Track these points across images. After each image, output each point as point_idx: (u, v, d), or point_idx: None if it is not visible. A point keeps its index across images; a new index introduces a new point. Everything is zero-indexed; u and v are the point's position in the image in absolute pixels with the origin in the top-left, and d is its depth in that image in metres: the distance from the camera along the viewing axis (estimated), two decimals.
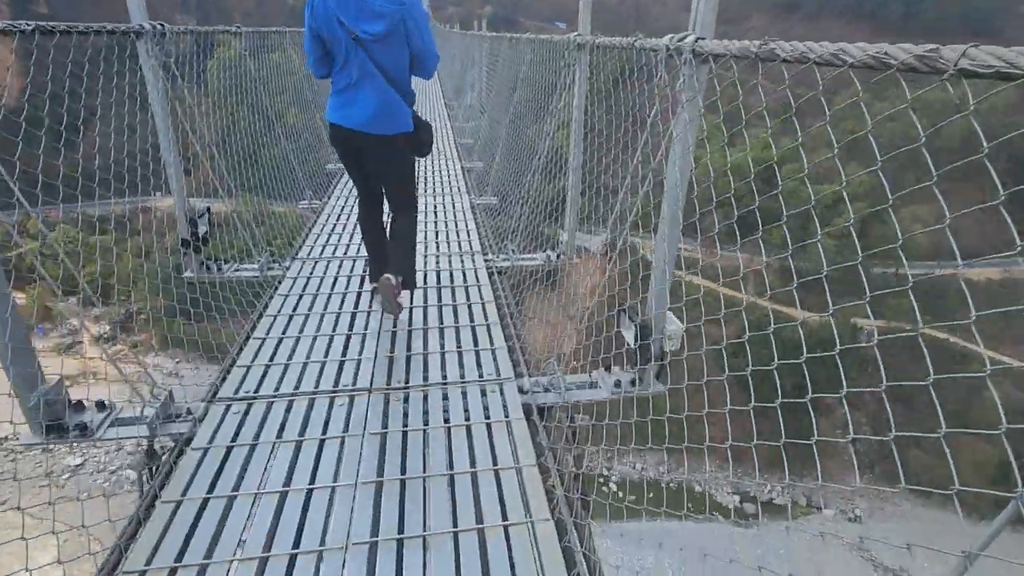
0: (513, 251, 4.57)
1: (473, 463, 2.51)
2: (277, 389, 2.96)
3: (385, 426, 2.72)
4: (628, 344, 3.02)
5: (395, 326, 3.58)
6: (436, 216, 5.53)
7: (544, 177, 4.67)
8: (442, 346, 3.37)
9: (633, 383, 3.03)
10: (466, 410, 2.88)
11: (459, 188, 6.50)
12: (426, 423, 2.76)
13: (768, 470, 25.45)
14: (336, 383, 3.01)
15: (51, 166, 3.02)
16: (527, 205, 4.94)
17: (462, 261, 4.50)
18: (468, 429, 2.71)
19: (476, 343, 3.41)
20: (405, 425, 2.74)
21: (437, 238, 4.99)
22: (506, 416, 2.81)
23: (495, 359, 3.25)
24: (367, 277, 4.15)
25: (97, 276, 3.76)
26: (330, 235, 5.03)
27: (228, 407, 2.83)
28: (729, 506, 25.05)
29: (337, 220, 5.41)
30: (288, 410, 2.84)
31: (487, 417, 2.79)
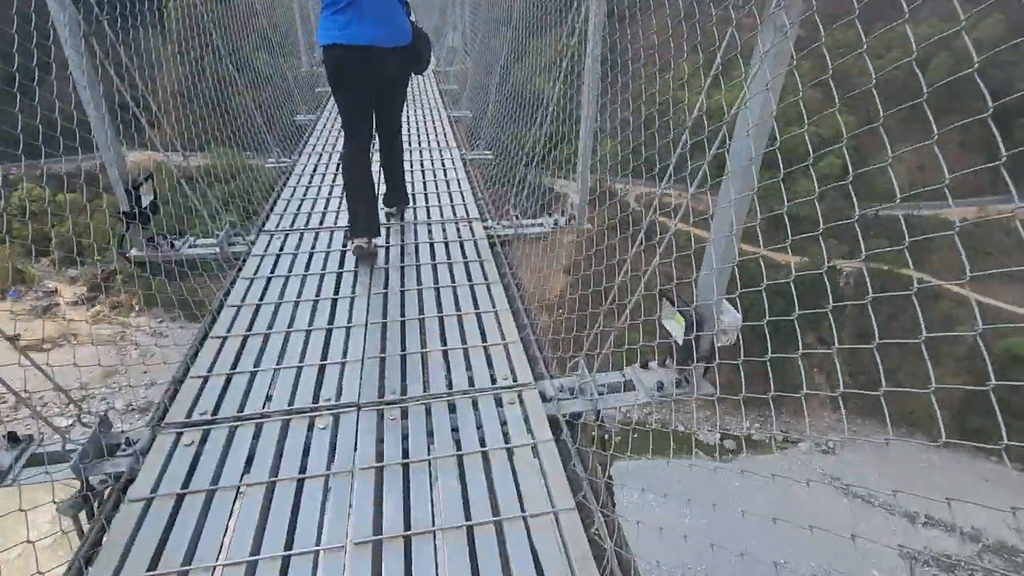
0: (517, 217, 3.86)
1: (496, 510, 1.92)
2: (241, 409, 2.31)
3: (380, 457, 2.11)
4: (673, 339, 2.42)
5: (385, 315, 2.91)
6: (424, 176, 4.74)
7: (552, 125, 3.91)
8: (444, 341, 2.72)
9: (678, 384, 2.45)
10: (479, 427, 2.28)
11: (447, 142, 5.66)
12: (431, 450, 2.15)
13: (748, 409, 25.92)
14: (316, 398, 2.37)
15: (7, 116, 2.74)
16: (530, 165, 4.20)
17: (458, 230, 3.78)
18: (485, 458, 2.12)
19: (484, 337, 2.77)
20: (405, 454, 2.13)
21: (427, 202, 4.23)
22: (531, 436, 2.22)
23: (509, 357, 2.63)
24: (348, 232, 3.50)
25: (71, 235, 3.40)
26: (302, 201, 4.24)
27: (179, 436, 2.18)
28: (711, 443, 25.55)
29: (310, 182, 4.60)
30: (256, 436, 2.21)
31: (507, 440, 2.19)
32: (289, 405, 2.32)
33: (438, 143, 5.60)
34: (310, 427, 2.24)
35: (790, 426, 26.34)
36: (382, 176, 3.86)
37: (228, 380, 2.45)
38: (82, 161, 3.41)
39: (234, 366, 2.54)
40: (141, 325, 28.22)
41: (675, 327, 2.42)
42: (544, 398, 2.44)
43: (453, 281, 3.21)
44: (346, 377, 2.47)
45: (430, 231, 3.80)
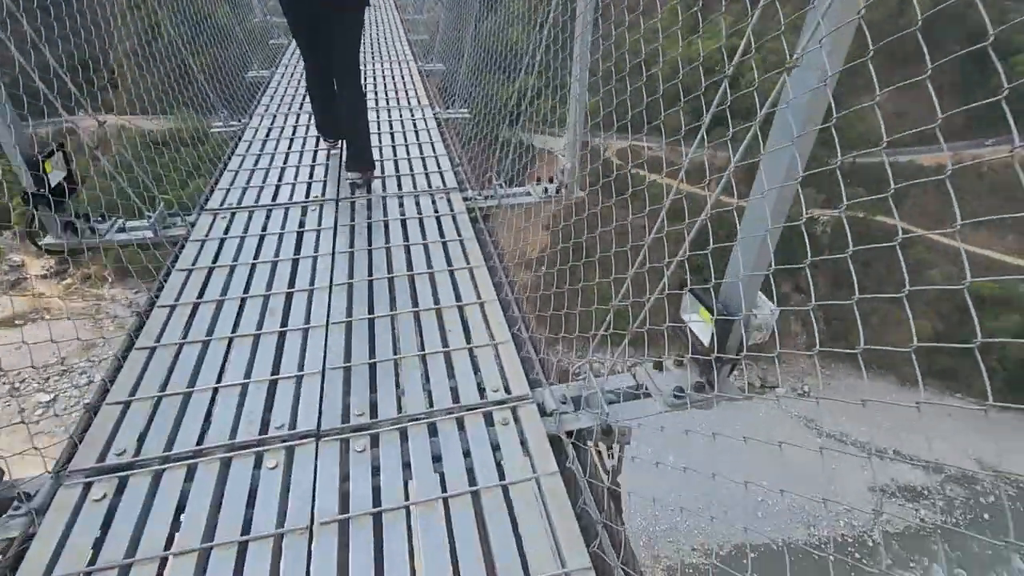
0: (501, 185, 3.32)
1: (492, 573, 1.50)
2: (169, 448, 1.83)
3: (345, 506, 1.66)
4: (698, 341, 1.98)
5: (350, 312, 2.41)
6: (394, 139, 4.12)
7: (537, 76, 3.32)
8: (421, 345, 2.25)
9: (699, 388, 2.03)
10: (467, 455, 1.84)
11: (419, 99, 4.99)
12: (407, 495, 1.71)
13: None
14: (264, 427, 1.90)
15: None
16: (515, 124, 3.62)
17: (434, 204, 3.23)
18: (476, 499, 1.68)
19: (469, 336, 2.29)
20: (376, 499, 1.69)
21: (397, 170, 3.65)
22: (531, 466, 1.78)
23: (499, 361, 2.17)
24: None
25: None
26: (252, 172, 3.62)
27: (86, 489, 1.70)
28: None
29: (262, 149, 3.95)
30: (190, 479, 1.74)
31: (501, 475, 1.75)
32: (231, 438, 1.84)
33: (408, 101, 4.93)
34: (257, 465, 1.78)
35: (767, 371, 26.76)
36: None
37: (153, 410, 1.95)
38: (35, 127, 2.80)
39: (163, 387, 2.04)
40: (116, 297, 27.15)
41: (700, 326, 1.97)
42: (543, 412, 2.00)
43: (430, 267, 2.70)
44: (303, 398, 1.99)
45: (401, 206, 3.24)
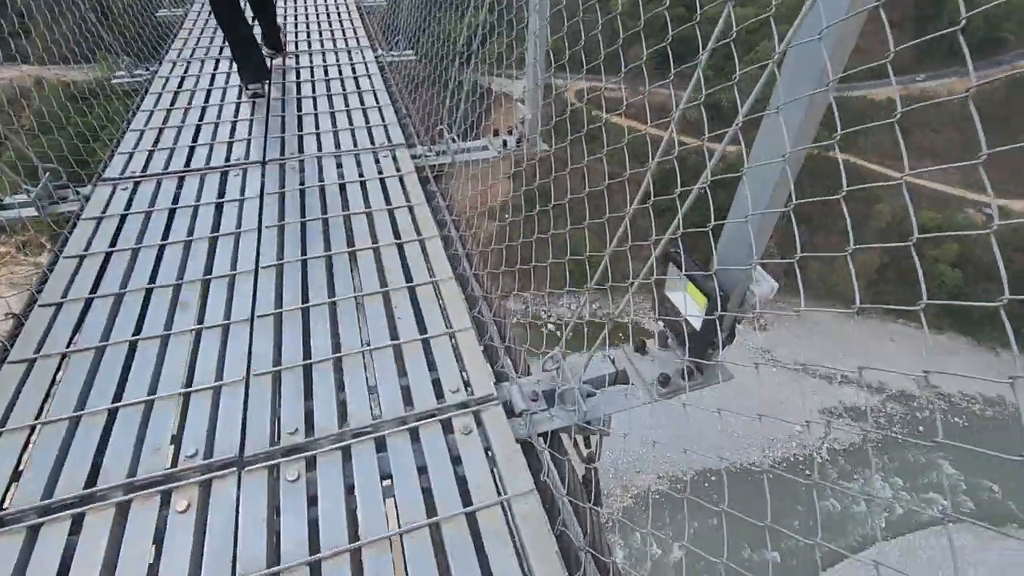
0: (454, 139, 2.86)
1: None
2: (49, 493, 1.45)
3: (276, 556, 1.34)
4: (684, 318, 1.70)
5: (280, 303, 2.01)
6: (330, 87, 3.54)
7: (490, 12, 2.81)
8: (366, 340, 1.88)
9: (689, 374, 1.77)
10: (422, 470, 1.53)
11: (357, 40, 4.34)
12: (356, 529, 1.40)
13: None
14: (175, 458, 1.53)
15: None
16: (466, 66, 3.13)
17: (377, 163, 2.77)
18: (436, 530, 1.39)
19: (422, 324, 1.94)
20: (315, 547, 1.37)
21: (334, 124, 3.13)
22: (500, 486, 1.49)
23: (458, 355, 1.83)
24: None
25: None
26: (160, 131, 3.03)
27: None
28: (653, 331, 26.47)
29: (173, 103, 3.33)
30: (76, 532, 1.38)
31: (465, 500, 1.45)
32: (131, 475, 1.48)
33: (345, 42, 4.28)
34: (164, 505, 1.43)
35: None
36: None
37: (28, 439, 1.56)
38: None
39: (39, 412, 1.63)
40: None
41: (688, 302, 1.68)
42: (510, 412, 1.70)
43: (375, 241, 2.29)
44: (222, 416, 1.62)
45: (340, 167, 2.77)
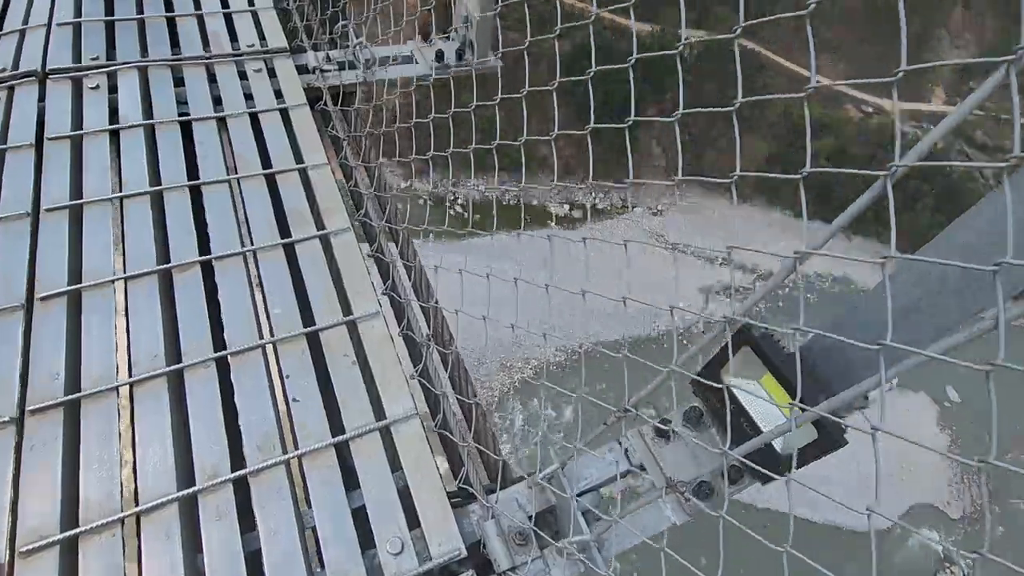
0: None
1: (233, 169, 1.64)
2: None
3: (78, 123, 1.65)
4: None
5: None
6: None
7: None
8: (169, 5, 2.08)
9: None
10: (216, 101, 1.86)
11: None
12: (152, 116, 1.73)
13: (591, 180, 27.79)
14: None
15: None
16: None
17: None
18: (222, 125, 1.75)
19: (226, 3, 2.16)
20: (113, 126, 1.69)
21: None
22: (282, 103, 1.86)
23: (258, 23, 2.10)
24: None
25: None
26: None
27: None
28: (560, 214, 27.61)
29: None
30: None
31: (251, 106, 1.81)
32: None
33: None
34: None
35: (627, 193, 29.00)
36: None
37: None
38: None
39: None
40: None
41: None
42: (304, 71, 2.04)
43: None
44: (25, 47, 1.83)
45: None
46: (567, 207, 28.53)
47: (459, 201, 27.22)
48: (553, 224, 26.90)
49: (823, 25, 29.04)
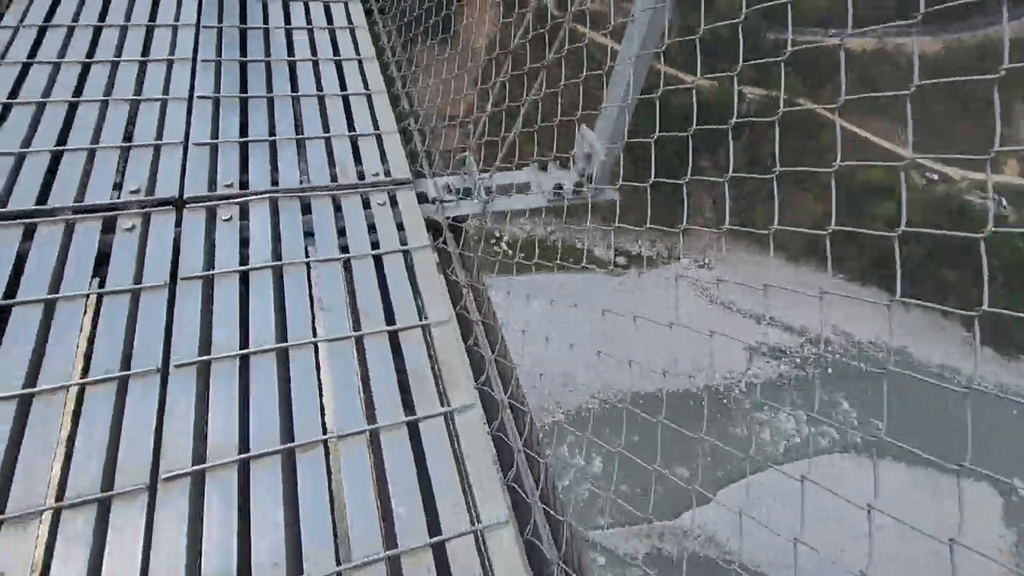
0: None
1: (357, 324, 1.58)
2: (4, 202, 1.66)
3: (211, 259, 1.64)
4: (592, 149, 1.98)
5: (218, 88, 2.17)
6: None
7: None
8: (299, 129, 2.11)
9: (578, 188, 2.11)
10: (340, 234, 1.84)
11: None
12: (280, 257, 1.70)
13: (641, 228, 27.59)
14: (118, 188, 1.76)
15: None
16: None
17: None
18: (346, 267, 1.72)
19: (352, 124, 2.17)
20: (244, 260, 1.67)
21: None
22: (403, 242, 1.82)
23: (382, 150, 2.10)
24: None
25: None
26: None
27: None
28: (605, 258, 27.43)
29: None
30: (28, 238, 1.62)
31: (375, 245, 1.78)
32: (77, 201, 1.71)
33: None
34: (109, 230, 1.68)
35: (674, 243, 28.63)
36: None
37: None
38: None
39: None
40: None
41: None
42: (424, 199, 2.01)
43: (315, 54, 2.45)
44: (162, 167, 1.85)
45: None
46: (612, 252, 28.36)
47: (504, 239, 27.47)
48: (597, 269, 26.70)
49: (886, 86, 28.42)
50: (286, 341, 1.50)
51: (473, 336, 1.65)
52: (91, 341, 1.43)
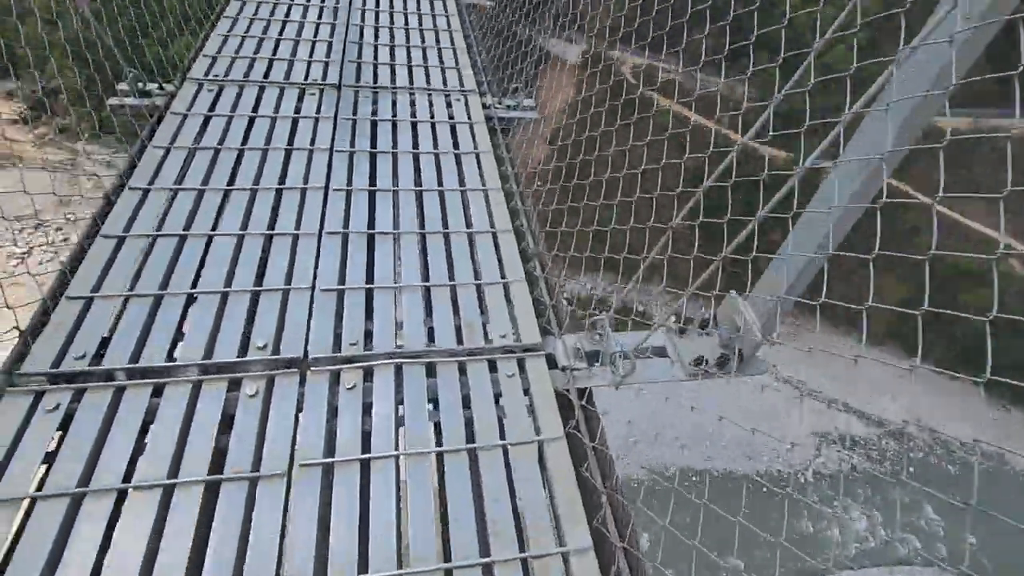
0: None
1: (486, 549, 1.38)
2: (135, 359, 1.61)
3: (331, 450, 1.50)
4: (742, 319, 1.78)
5: (347, 223, 2.12)
6: (408, 21, 3.58)
7: None
8: (425, 274, 2.01)
9: (725, 361, 1.87)
10: (466, 405, 1.67)
11: None
12: (398, 441, 1.55)
13: (705, 294, 26.71)
14: (244, 348, 1.68)
15: None
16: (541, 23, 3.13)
17: (449, 106, 2.83)
18: (472, 457, 1.53)
19: (477, 272, 2.05)
20: (367, 443, 1.52)
21: (410, 60, 3.17)
22: (535, 427, 1.63)
23: (510, 303, 1.95)
24: None
25: None
26: (243, 39, 3.10)
27: (38, 397, 1.50)
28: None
29: (256, 13, 3.39)
30: (158, 395, 1.55)
31: (502, 433, 1.60)
32: (205, 358, 1.63)
33: None
34: (234, 387, 1.59)
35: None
36: None
37: (122, 307, 1.71)
38: None
39: (132, 285, 1.78)
40: (92, 153, 25.78)
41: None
42: (553, 364, 1.82)
43: (440, 184, 2.38)
44: (288, 317, 1.77)
45: (413, 104, 2.84)
46: (673, 318, 27.43)
47: (564, 296, 27.24)
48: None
49: (980, 168, 26.76)
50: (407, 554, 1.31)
51: (616, 567, 1.41)
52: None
